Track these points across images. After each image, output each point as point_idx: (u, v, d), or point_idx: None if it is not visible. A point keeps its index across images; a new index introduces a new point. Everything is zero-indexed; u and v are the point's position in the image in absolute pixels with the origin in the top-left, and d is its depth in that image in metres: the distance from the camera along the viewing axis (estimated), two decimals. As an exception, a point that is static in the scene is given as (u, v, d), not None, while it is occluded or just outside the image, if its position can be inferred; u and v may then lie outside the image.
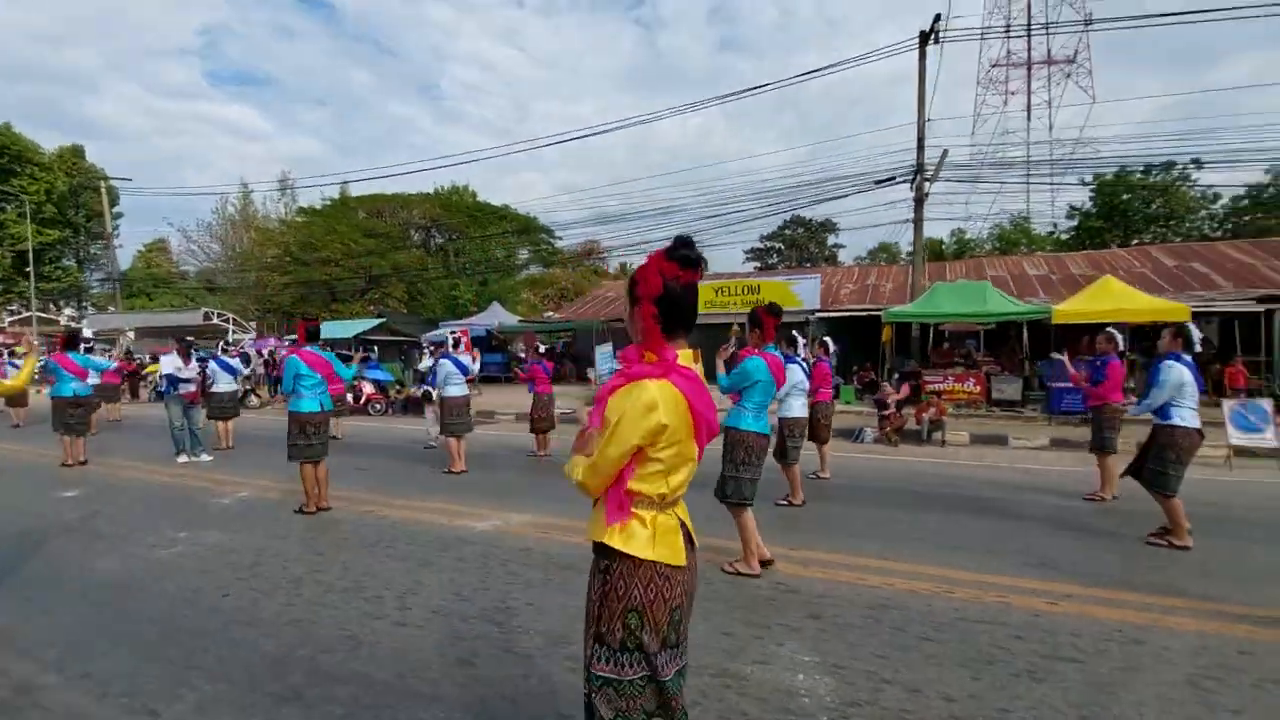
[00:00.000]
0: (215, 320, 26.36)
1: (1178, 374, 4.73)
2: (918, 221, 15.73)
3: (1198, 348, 4.86)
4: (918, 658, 3.05)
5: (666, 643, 1.67)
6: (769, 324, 4.15)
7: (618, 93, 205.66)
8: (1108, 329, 6.61)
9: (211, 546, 4.85)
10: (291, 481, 6.82)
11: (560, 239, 40.76)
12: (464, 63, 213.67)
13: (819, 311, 17.51)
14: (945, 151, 14.47)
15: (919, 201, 15.53)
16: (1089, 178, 27.10)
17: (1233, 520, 5.52)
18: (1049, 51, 46.27)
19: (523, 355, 23.90)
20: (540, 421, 9.18)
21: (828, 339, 8.11)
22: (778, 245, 55.25)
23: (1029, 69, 47.89)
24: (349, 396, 15.72)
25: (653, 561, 1.67)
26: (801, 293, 18.08)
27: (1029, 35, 40.38)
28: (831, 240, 54.84)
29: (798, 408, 6.07)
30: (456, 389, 7.97)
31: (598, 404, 1.73)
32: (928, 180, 15.21)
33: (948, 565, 4.32)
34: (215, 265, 40.46)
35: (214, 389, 9.21)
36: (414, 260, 35.10)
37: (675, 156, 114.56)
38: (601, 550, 1.71)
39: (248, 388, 16.87)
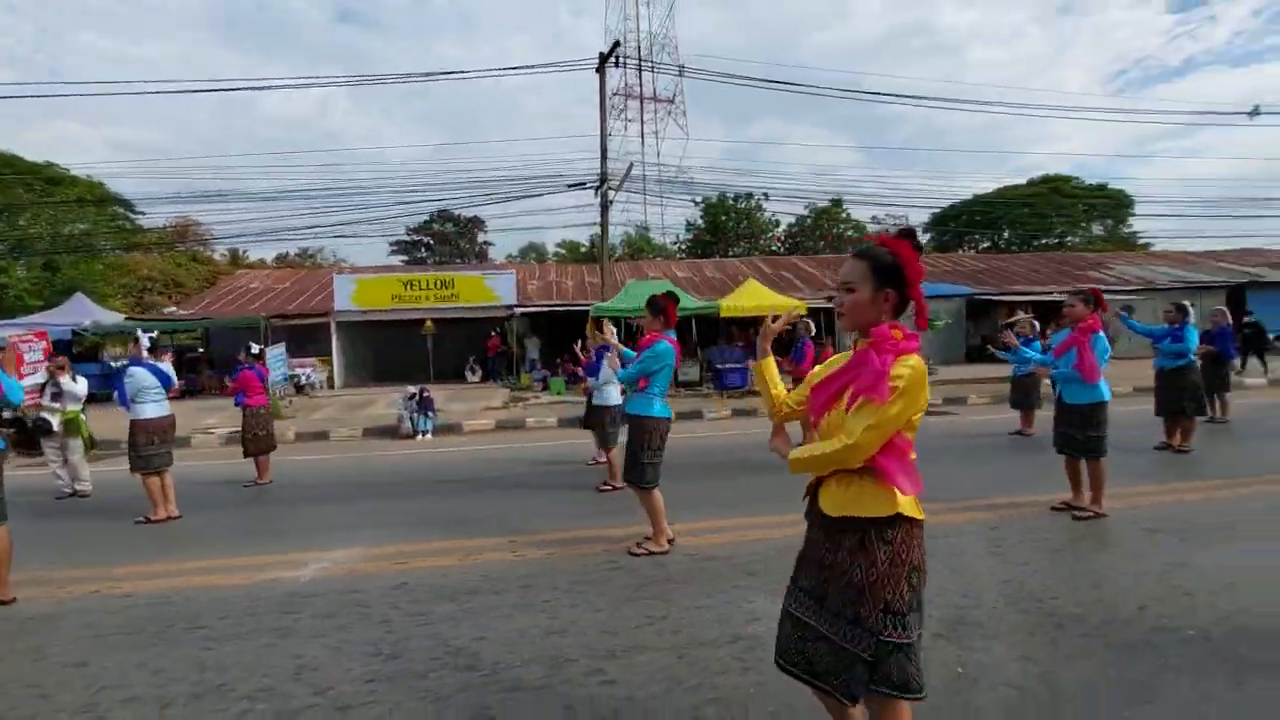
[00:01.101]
0: None
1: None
2: (604, 225, 17.39)
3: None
4: (847, 584, 3.72)
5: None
6: (671, 310, 4.35)
7: (202, 42, 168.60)
8: (805, 319, 8.62)
9: None
10: None
11: (144, 215, 32.16)
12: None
13: (518, 307, 17.86)
14: (631, 165, 16.35)
15: (604, 207, 17.17)
16: (698, 199, 33.67)
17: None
18: (655, 90, 55.64)
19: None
20: (257, 441, 7.38)
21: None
22: (426, 239, 53.36)
23: (641, 101, 56.84)
24: None
25: (920, 520, 1.83)
26: (496, 287, 18.14)
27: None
28: (481, 237, 55.38)
29: (616, 395, 6.36)
30: (155, 407, 5.91)
31: (858, 374, 1.76)
32: (612, 189, 16.94)
33: (779, 514, 5.20)
34: None
35: None
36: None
37: (286, 129, 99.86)
38: (883, 521, 1.78)
39: None
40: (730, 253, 34.10)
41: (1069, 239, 35.30)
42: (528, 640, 3.17)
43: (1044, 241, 36.67)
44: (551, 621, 3.38)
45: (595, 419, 6.53)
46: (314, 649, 3.15)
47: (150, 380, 5.90)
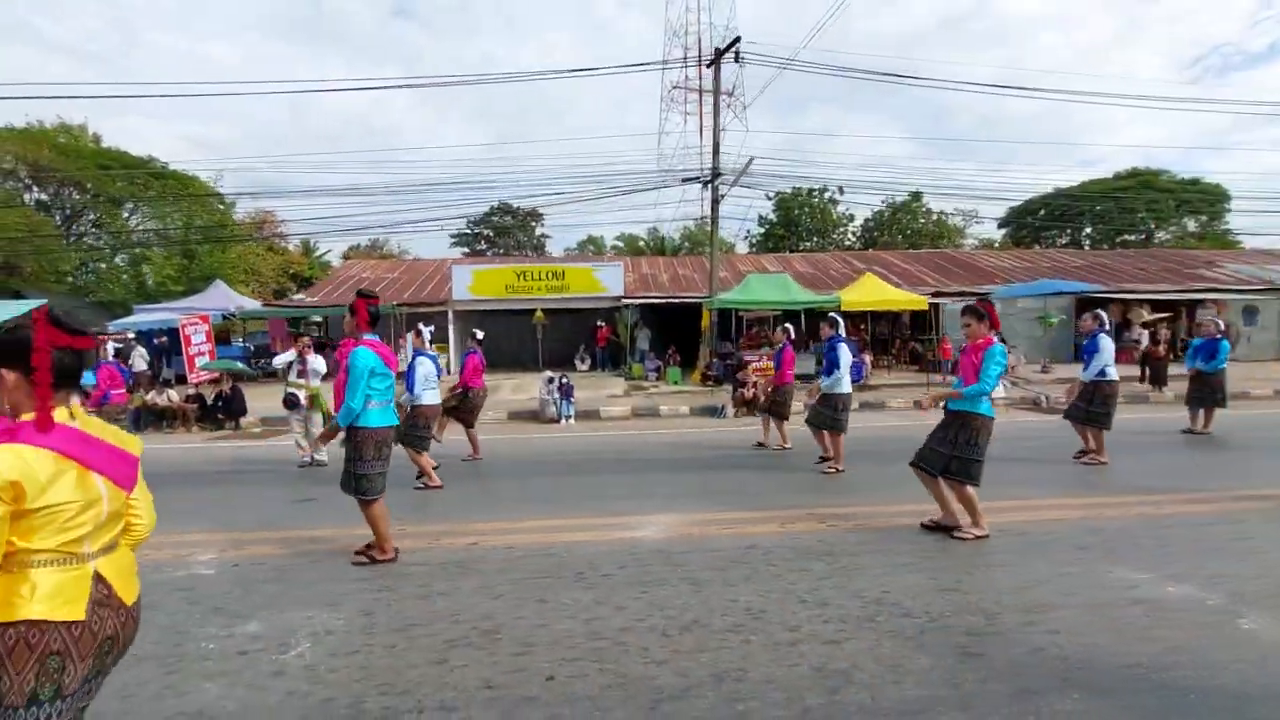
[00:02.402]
0: None
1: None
2: (714, 219, 17.66)
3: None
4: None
5: None
6: (993, 312, 4.58)
7: (266, 39, 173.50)
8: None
9: (393, 630, 3.27)
10: (254, 527, 4.82)
11: (231, 206, 33.74)
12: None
13: (625, 298, 18.31)
14: (750, 159, 16.51)
15: (715, 202, 17.43)
16: (770, 192, 33.53)
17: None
18: (715, 82, 55.53)
19: (270, 345, 19.32)
20: (470, 415, 7.93)
21: (789, 326, 8.41)
22: (486, 232, 54.49)
23: (700, 94, 56.83)
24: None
25: None
26: (604, 279, 18.61)
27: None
28: (539, 230, 56.15)
29: (847, 385, 6.69)
30: (432, 394, 6.45)
31: None
32: (724, 184, 17.20)
33: (1027, 499, 5.47)
34: None
35: None
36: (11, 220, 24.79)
37: (343, 123, 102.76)
38: None
39: None
40: (801, 247, 34.02)
41: (1158, 235, 34.19)
42: (931, 593, 3.52)
43: (1128, 238, 35.60)
44: (934, 580, 3.72)
45: (827, 407, 6.80)
46: (744, 594, 3.56)
47: (432, 370, 6.44)
